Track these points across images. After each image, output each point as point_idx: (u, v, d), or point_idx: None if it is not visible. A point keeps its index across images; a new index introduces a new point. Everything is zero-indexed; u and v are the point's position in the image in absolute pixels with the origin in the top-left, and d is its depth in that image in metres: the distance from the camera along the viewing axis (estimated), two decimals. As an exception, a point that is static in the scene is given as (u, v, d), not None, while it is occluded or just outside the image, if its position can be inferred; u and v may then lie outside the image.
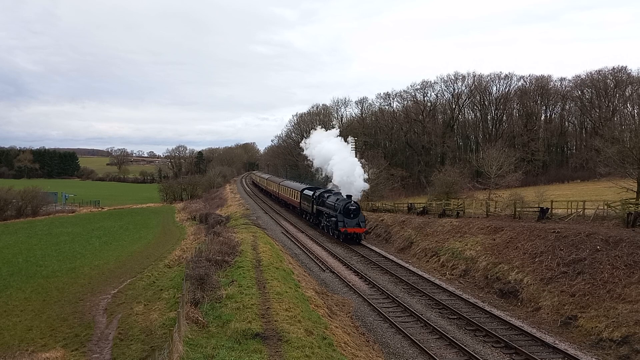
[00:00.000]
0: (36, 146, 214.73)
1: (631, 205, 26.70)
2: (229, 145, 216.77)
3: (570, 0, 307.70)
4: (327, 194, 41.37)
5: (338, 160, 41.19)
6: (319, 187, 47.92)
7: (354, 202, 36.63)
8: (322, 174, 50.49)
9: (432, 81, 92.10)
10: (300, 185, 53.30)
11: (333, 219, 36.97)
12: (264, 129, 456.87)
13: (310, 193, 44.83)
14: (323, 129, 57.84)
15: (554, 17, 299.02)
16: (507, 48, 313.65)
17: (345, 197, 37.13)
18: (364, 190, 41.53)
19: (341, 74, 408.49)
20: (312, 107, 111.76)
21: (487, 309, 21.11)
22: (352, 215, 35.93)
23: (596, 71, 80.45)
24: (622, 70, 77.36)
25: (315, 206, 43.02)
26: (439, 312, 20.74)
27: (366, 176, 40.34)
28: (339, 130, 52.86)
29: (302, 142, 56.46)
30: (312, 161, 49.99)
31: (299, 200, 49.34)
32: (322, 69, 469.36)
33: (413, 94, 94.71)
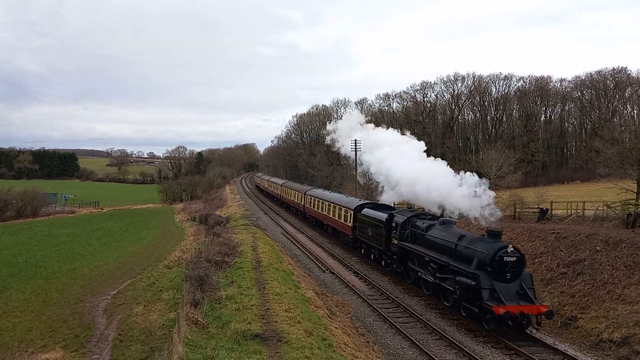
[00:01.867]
0: (37, 147, 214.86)
1: (631, 206, 26.72)
2: (230, 146, 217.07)
3: (571, 1, 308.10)
4: (426, 222, 23.63)
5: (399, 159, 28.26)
6: (388, 205, 31.18)
7: (513, 247, 18.60)
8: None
9: (432, 82, 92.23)
10: (352, 200, 35.06)
11: (465, 280, 18.63)
12: (265, 130, 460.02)
13: (382, 216, 27.17)
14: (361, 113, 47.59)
15: (554, 18, 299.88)
16: (506, 48, 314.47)
17: (486, 236, 19.45)
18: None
19: (345, 75, 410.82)
20: (312, 108, 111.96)
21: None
22: (508, 274, 18.09)
23: (596, 72, 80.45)
24: (622, 71, 77.40)
25: (397, 242, 24.95)
26: (439, 313, 20.72)
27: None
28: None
29: (330, 124, 45.72)
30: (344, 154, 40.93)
31: (351, 224, 32.07)
32: (325, 71, 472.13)
33: (413, 94, 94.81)
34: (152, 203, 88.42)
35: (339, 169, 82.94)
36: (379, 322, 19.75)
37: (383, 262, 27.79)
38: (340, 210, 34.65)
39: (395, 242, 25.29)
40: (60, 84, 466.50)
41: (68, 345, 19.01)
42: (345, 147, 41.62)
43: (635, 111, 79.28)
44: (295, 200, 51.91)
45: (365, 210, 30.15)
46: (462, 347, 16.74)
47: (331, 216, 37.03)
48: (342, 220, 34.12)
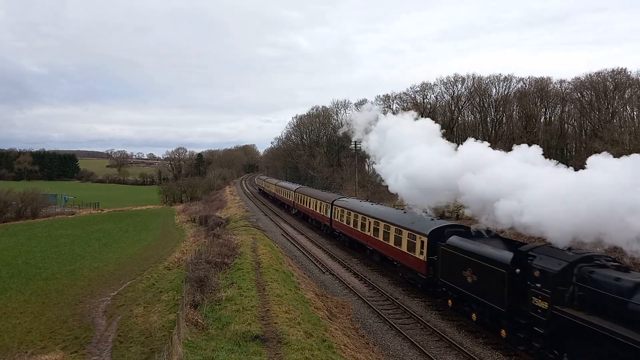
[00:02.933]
0: (37, 148, 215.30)
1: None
2: (230, 147, 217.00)
3: (571, 2, 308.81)
4: (621, 275, 12.95)
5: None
6: (491, 231, 18.98)
7: None
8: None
9: (432, 83, 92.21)
10: (419, 220, 23.87)
11: None
12: (266, 131, 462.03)
13: (502, 256, 16.42)
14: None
15: (554, 19, 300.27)
16: (506, 49, 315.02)
17: None
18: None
19: (345, 76, 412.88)
20: (312, 109, 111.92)
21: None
22: None
23: (596, 73, 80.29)
24: (622, 72, 77.31)
25: (547, 306, 14.13)
26: (439, 315, 20.71)
27: None
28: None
29: (344, 115, 43.70)
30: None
31: (424, 258, 21.75)
32: (326, 71, 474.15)
33: (412, 96, 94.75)
34: (152, 204, 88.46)
35: (339, 170, 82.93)
36: (379, 323, 19.75)
37: (503, 331, 16.63)
38: (400, 234, 24.29)
39: (542, 305, 14.37)
40: (61, 85, 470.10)
41: (68, 347, 19.00)
42: (367, 142, 33.76)
43: (635, 112, 79.24)
44: (318, 211, 42.06)
45: (454, 240, 19.40)
46: (462, 348, 16.74)
47: (381, 240, 26.93)
48: (405, 249, 23.66)
